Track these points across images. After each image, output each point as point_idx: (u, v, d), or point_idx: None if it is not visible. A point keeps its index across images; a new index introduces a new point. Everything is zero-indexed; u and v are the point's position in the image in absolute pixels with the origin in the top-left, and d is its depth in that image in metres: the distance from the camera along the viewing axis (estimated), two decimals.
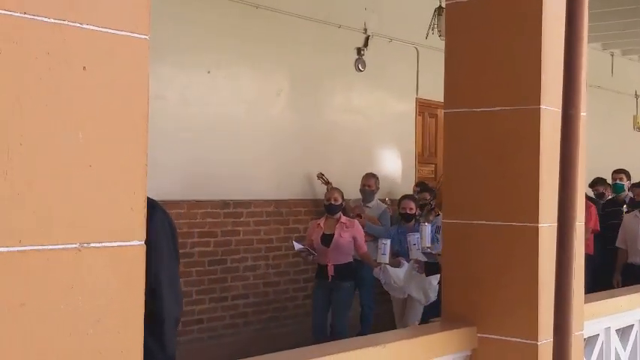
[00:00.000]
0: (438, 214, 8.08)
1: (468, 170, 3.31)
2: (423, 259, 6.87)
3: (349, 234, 7.19)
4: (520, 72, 3.16)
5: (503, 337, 3.17)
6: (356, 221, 7.46)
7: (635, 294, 4.28)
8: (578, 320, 3.09)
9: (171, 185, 7.20)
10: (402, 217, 7.51)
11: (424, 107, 10.17)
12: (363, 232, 7.40)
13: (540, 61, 3.09)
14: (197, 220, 7.64)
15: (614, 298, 4.14)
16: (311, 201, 8.64)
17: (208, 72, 7.74)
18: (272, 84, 8.37)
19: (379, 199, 8.73)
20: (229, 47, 7.86)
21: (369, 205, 8.49)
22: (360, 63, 9.32)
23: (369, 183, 8.53)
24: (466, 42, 3.34)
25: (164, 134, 6.97)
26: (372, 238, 7.83)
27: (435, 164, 10.33)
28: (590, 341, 3.84)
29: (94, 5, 1.63)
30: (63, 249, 1.59)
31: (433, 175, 10.28)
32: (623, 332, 4.16)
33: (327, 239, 7.15)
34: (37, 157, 1.55)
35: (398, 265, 7.10)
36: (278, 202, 8.36)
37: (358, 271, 7.73)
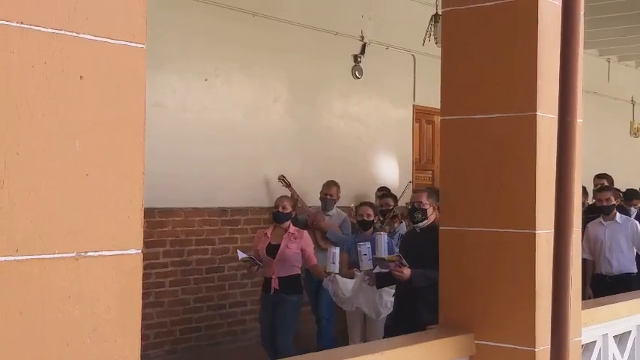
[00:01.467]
0: (402, 222, 7.66)
1: (465, 177, 3.32)
2: (372, 268, 6.08)
3: (297, 245, 6.63)
4: (516, 79, 3.17)
5: (501, 344, 3.18)
6: (305, 232, 6.89)
7: (633, 300, 4.28)
8: (575, 327, 3.09)
9: (168, 193, 7.19)
10: (359, 225, 6.90)
11: (421, 114, 10.18)
12: (312, 244, 6.86)
13: (536, 67, 3.10)
14: (195, 228, 7.64)
15: (611, 305, 4.14)
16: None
17: (206, 79, 7.74)
18: (269, 91, 8.38)
19: (338, 207, 8.34)
20: (227, 55, 7.87)
21: (329, 213, 8.03)
22: (357, 70, 9.34)
23: (331, 192, 8.09)
24: (462, 49, 3.35)
25: (162, 142, 6.97)
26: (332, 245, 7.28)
27: (433, 171, 10.33)
28: (588, 348, 3.84)
29: (91, 15, 1.64)
30: (60, 258, 1.59)
31: (431, 182, 10.28)
32: (621, 338, 4.16)
33: (272, 250, 6.59)
34: (34, 166, 1.55)
35: (352, 276, 6.49)
36: None
37: (316, 281, 7.22)
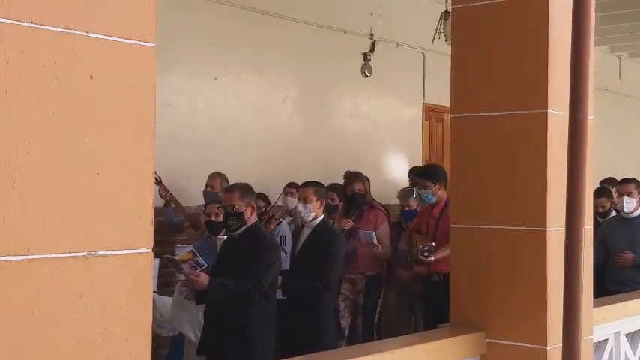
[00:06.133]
0: (280, 222, 6.57)
1: (476, 175, 3.31)
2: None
3: None
4: (527, 76, 3.15)
5: (512, 342, 3.16)
6: None
7: None
8: (587, 325, 3.08)
9: (178, 192, 7.20)
10: (207, 227, 5.64)
11: (431, 112, 10.15)
12: None
13: (547, 64, 3.08)
14: None
15: (623, 302, 4.13)
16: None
17: (215, 79, 7.75)
18: (279, 90, 8.38)
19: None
20: (236, 54, 7.87)
21: None
22: (366, 68, 9.32)
23: (213, 184, 6.69)
24: (472, 47, 3.34)
25: (172, 141, 6.98)
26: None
27: None
28: (600, 346, 3.82)
29: (101, 14, 1.64)
30: (71, 257, 1.59)
31: None
32: (633, 336, 4.14)
33: None
34: (45, 165, 1.56)
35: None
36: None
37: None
